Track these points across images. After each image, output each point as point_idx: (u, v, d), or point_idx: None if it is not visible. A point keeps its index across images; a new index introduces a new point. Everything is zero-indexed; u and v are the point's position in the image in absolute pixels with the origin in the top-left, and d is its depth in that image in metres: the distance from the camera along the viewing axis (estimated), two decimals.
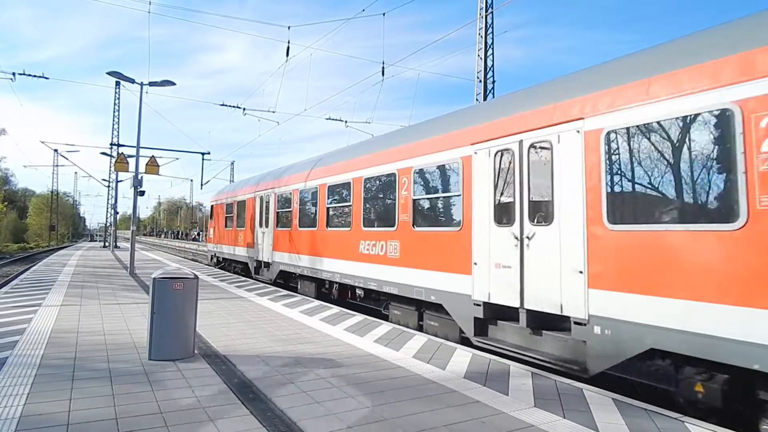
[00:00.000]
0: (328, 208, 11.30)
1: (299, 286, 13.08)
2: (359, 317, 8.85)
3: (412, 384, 4.96)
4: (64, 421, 3.78)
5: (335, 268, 10.70)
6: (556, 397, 4.64)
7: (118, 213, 39.66)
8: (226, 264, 20.78)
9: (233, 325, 7.90)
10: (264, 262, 15.31)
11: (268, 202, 15.19)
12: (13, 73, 22.98)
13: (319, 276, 11.43)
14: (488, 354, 6.31)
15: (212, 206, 23.09)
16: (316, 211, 11.91)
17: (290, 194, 13.41)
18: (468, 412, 4.21)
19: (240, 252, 17.97)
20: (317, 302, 10.65)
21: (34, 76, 24.60)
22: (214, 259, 22.49)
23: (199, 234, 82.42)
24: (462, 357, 6.10)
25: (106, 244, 40.54)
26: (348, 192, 10.40)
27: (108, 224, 42.44)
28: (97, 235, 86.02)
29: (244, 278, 17.13)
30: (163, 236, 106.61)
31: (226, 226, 20.06)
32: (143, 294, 11.17)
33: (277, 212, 14.39)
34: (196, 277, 6.05)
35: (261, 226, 15.62)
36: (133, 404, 4.18)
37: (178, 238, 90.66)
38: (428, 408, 4.27)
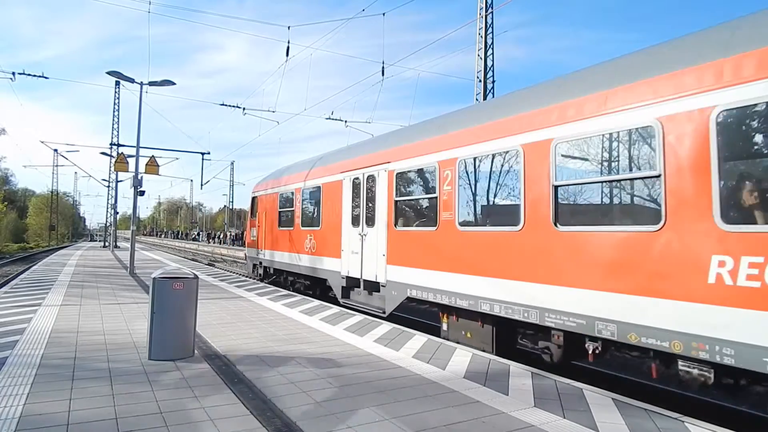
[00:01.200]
0: (557, 188, 5.75)
1: (449, 326, 7.68)
2: (359, 317, 8.84)
3: (412, 384, 4.96)
4: (64, 421, 3.78)
5: (601, 310, 5.15)
6: (556, 397, 4.64)
7: (118, 213, 39.70)
8: (281, 278, 14.78)
9: (233, 324, 7.90)
10: (366, 281, 9.66)
11: (372, 187, 9.61)
12: (13, 73, 23.00)
13: (530, 319, 5.94)
14: (488, 354, 6.31)
15: (255, 198, 16.79)
16: (516, 194, 6.27)
17: (433, 170, 7.80)
18: (468, 412, 4.21)
19: (310, 262, 12.07)
20: (317, 302, 10.64)
21: (34, 75, 24.62)
22: (259, 270, 16.27)
23: (198, 234, 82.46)
24: (462, 357, 6.10)
25: (106, 244, 40.55)
26: (670, 142, 4.71)
27: (108, 224, 42.46)
28: (97, 235, 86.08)
29: (243, 278, 17.10)
30: (162, 236, 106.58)
31: (280, 225, 14.20)
32: (143, 294, 11.17)
33: (397, 201, 8.77)
34: (196, 277, 6.05)
35: (356, 224, 10.07)
36: (133, 404, 4.18)
37: (178, 238, 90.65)
38: (428, 408, 4.27)
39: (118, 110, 36.51)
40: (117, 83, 34.65)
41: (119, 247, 35.94)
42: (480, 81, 19.06)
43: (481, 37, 19.03)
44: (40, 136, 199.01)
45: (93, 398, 4.29)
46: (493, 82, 19.19)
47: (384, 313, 8.86)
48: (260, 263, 16.07)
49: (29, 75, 24.29)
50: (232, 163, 62.01)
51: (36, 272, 16.82)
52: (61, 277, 14.63)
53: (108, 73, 15.98)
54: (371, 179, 9.67)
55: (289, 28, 19.67)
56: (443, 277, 7.44)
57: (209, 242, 66.09)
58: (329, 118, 24.46)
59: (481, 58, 19.03)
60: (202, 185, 37.92)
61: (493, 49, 19.17)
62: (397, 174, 8.81)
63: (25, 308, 8.88)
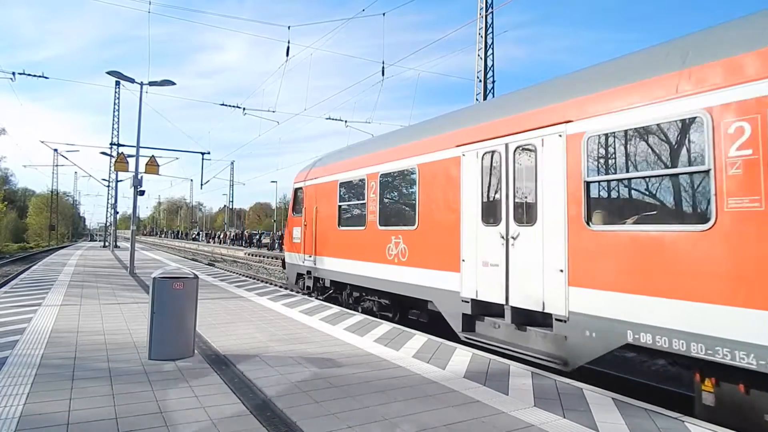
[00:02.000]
0: None
1: (720, 400, 4.56)
2: (359, 317, 8.84)
3: (412, 384, 4.96)
4: (64, 421, 3.78)
5: None
6: (556, 396, 4.64)
7: (118, 213, 39.72)
8: (343, 294, 11.07)
9: (233, 324, 7.90)
10: (518, 309, 6.32)
11: (528, 163, 6.32)
12: (13, 73, 23.07)
13: None
14: (488, 353, 6.31)
15: (300, 189, 13.06)
16: None
17: (694, 124, 4.66)
18: (468, 411, 4.21)
19: (396, 276, 8.72)
20: (317, 302, 10.64)
21: (34, 75, 24.66)
22: (306, 281, 12.54)
23: (198, 234, 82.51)
24: (462, 357, 6.10)
25: (106, 243, 40.55)
26: None
27: (108, 224, 42.47)
28: (97, 235, 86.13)
29: (243, 278, 17.11)
30: (162, 236, 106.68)
31: (342, 223, 10.83)
32: (143, 294, 11.17)
33: (592, 182, 5.54)
34: (196, 276, 6.05)
35: (493, 220, 6.75)
36: (133, 404, 4.18)
37: (178, 238, 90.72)
38: (428, 408, 4.27)
39: (118, 110, 36.55)
40: (117, 83, 34.69)
41: (119, 247, 35.94)
42: (480, 81, 19.07)
43: (481, 37, 19.04)
44: (40, 136, 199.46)
45: (93, 398, 4.29)
46: (494, 82, 19.21)
47: (565, 365, 5.52)
48: (308, 273, 12.31)
49: (29, 75, 24.35)
50: (232, 163, 62.11)
51: (36, 272, 16.82)
52: (61, 277, 14.62)
53: (108, 73, 15.99)
54: (525, 151, 6.40)
55: (289, 28, 19.73)
56: (732, 316, 4.23)
57: (209, 242, 66.15)
58: (329, 119, 24.52)
59: (481, 58, 19.03)
60: (202, 185, 37.88)
61: (493, 49, 19.19)
62: (591, 138, 5.50)
63: (25, 308, 8.87)
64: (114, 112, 36.33)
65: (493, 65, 19.18)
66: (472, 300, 6.99)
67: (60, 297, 10.46)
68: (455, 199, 7.45)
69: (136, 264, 17.09)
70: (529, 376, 5.31)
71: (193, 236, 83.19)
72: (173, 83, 16.30)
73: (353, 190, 10.50)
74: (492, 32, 19.18)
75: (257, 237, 58.01)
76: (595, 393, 4.78)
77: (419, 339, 7.09)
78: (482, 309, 6.96)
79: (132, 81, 16.00)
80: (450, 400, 4.48)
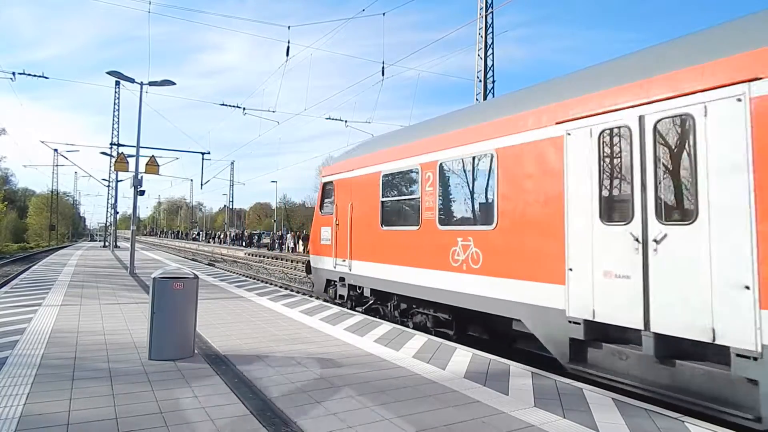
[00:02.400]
0: None
1: None
2: (359, 317, 8.84)
3: (412, 384, 4.96)
4: (64, 421, 3.78)
5: None
6: (556, 397, 4.64)
7: (118, 213, 39.74)
8: (388, 306, 9.47)
9: (233, 324, 7.90)
10: (664, 338, 4.69)
11: (682, 142, 4.78)
12: (13, 73, 23.08)
13: None
14: (488, 354, 6.31)
15: (330, 184, 11.41)
16: None
17: None
18: (468, 412, 4.21)
19: (463, 286, 7.18)
20: (317, 302, 10.64)
21: (34, 75, 24.67)
22: (338, 289, 10.92)
23: (198, 234, 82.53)
24: (462, 357, 6.10)
25: (106, 243, 40.56)
26: None
27: (108, 224, 42.49)
28: (97, 235, 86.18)
29: (243, 278, 17.11)
30: (162, 236, 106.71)
31: (386, 222, 9.22)
32: (143, 294, 11.17)
33: None
34: (196, 276, 6.05)
35: (619, 218, 5.23)
36: (133, 404, 4.18)
37: (178, 238, 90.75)
38: (428, 408, 4.27)
39: (118, 110, 36.60)
40: (117, 83, 34.70)
41: (119, 247, 35.94)
42: (480, 81, 19.07)
43: (481, 37, 19.04)
44: (40, 136, 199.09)
45: (93, 398, 4.29)
46: (494, 82, 19.22)
47: (758, 421, 3.99)
48: (341, 279, 10.68)
49: (29, 75, 24.36)
50: (232, 163, 62.07)
51: (36, 272, 16.83)
52: (61, 277, 14.63)
53: (108, 73, 15.99)
54: (673, 124, 4.83)
55: (289, 28, 19.78)
56: None
57: (209, 242, 66.15)
58: (329, 118, 24.56)
59: (481, 58, 19.04)
60: (202, 185, 37.90)
61: (493, 49, 19.20)
62: None
63: (25, 308, 8.88)
64: (114, 112, 36.41)
65: (493, 65, 19.20)
66: (585, 321, 5.35)
67: (60, 297, 10.46)
68: (556, 191, 5.85)
69: (136, 264, 17.09)
70: (529, 376, 5.31)
71: (193, 236, 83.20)
72: (173, 83, 16.30)
73: (402, 182, 8.94)
74: (492, 32, 19.20)
75: (257, 237, 58.04)
76: (595, 393, 4.78)
77: (419, 339, 7.09)
78: (599, 333, 5.37)
79: (132, 81, 16.00)
80: (450, 400, 4.48)
